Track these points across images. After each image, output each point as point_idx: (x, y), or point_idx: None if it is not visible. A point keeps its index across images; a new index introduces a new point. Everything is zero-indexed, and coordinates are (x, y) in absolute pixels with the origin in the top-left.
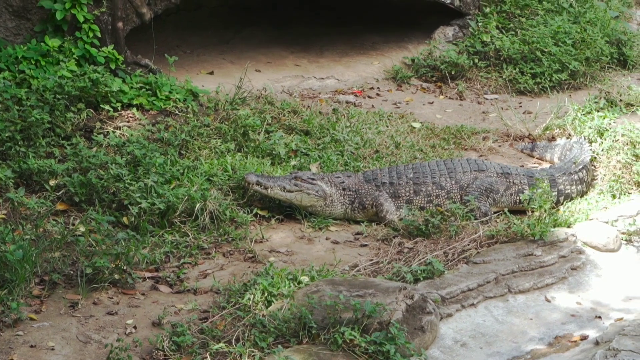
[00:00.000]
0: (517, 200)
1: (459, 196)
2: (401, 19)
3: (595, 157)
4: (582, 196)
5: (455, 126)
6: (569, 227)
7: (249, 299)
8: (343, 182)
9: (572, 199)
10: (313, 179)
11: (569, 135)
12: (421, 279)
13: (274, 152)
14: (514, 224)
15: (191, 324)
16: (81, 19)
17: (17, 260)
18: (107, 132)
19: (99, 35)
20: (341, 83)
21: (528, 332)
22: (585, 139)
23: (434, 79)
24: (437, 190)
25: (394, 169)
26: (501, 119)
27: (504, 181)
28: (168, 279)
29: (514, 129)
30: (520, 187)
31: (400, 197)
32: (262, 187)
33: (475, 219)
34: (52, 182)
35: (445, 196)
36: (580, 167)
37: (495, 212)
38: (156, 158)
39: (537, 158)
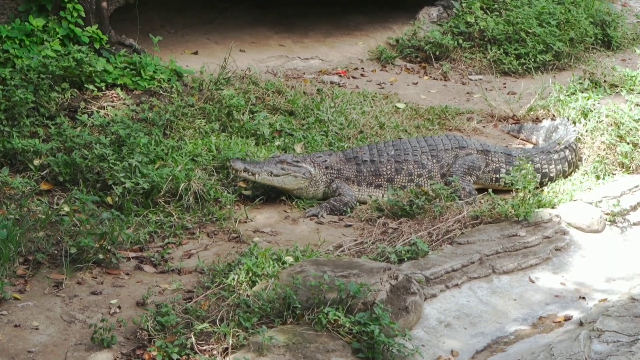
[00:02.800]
0: (494, 178)
1: (439, 175)
2: None
3: (579, 138)
4: (565, 176)
5: (440, 107)
6: (553, 207)
7: (233, 279)
8: (325, 161)
9: (551, 178)
10: (297, 161)
11: (553, 116)
12: (405, 259)
13: (258, 132)
14: (498, 204)
15: (175, 304)
16: None
17: (1, 239)
18: (92, 111)
19: (83, 14)
20: (325, 63)
21: (512, 312)
22: (568, 120)
23: (418, 59)
24: (418, 169)
25: (374, 147)
26: (485, 99)
27: (483, 158)
28: (152, 259)
29: (498, 109)
30: (497, 165)
31: (381, 175)
32: (250, 173)
33: (460, 199)
34: (36, 162)
35: (427, 175)
36: (563, 147)
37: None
38: (140, 138)
39: (523, 139)
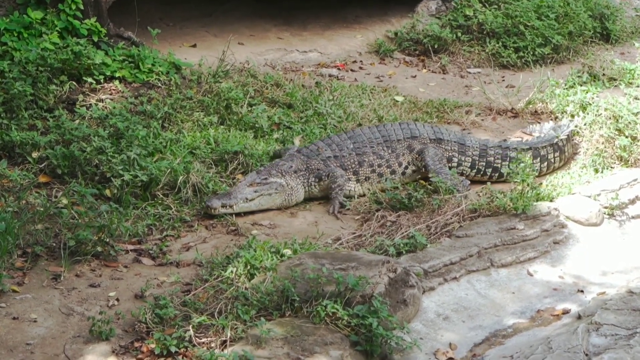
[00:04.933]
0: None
1: (397, 164)
2: None
3: (558, 143)
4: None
5: (438, 100)
6: (551, 201)
7: (232, 271)
8: (291, 167)
9: (501, 174)
10: (265, 178)
11: (572, 115)
12: (404, 252)
13: (256, 125)
14: (497, 197)
15: (174, 297)
16: None
17: (0, 232)
18: (90, 104)
19: (81, 7)
20: (324, 56)
21: (510, 306)
22: (571, 121)
23: (417, 52)
24: (377, 160)
25: (330, 142)
26: (484, 92)
27: (437, 146)
28: (151, 252)
29: (497, 102)
30: (450, 154)
31: (347, 169)
32: (228, 206)
33: (458, 191)
34: (34, 155)
35: (386, 165)
36: (524, 146)
37: (422, 178)
38: (139, 131)
39: (523, 132)
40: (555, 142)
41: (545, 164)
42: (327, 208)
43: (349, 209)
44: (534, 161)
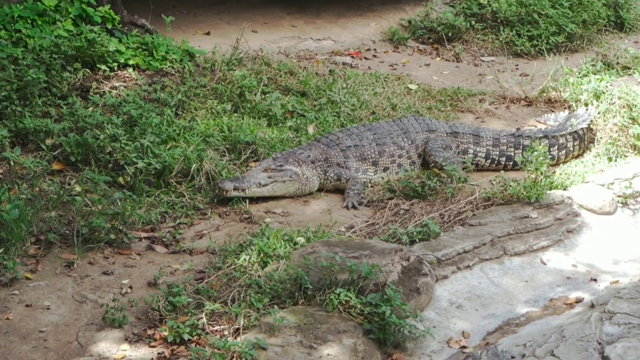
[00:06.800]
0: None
1: (416, 155)
2: None
3: (578, 132)
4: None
5: (452, 88)
6: (565, 189)
7: (245, 259)
8: (309, 156)
9: (515, 163)
10: (280, 165)
11: (568, 106)
12: (417, 240)
13: (270, 113)
14: (510, 186)
15: (187, 284)
16: None
17: (13, 219)
18: (104, 92)
19: None
20: (338, 44)
21: (523, 294)
22: (586, 111)
23: (430, 40)
24: (398, 150)
25: (350, 132)
26: (498, 81)
27: (452, 140)
28: (164, 239)
29: (511, 91)
30: (465, 147)
31: (366, 159)
32: (240, 190)
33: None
34: (48, 142)
35: (406, 155)
36: (538, 135)
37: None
38: (152, 118)
39: (538, 121)
40: (576, 130)
41: (564, 151)
42: (346, 202)
43: (362, 197)
44: (552, 149)
